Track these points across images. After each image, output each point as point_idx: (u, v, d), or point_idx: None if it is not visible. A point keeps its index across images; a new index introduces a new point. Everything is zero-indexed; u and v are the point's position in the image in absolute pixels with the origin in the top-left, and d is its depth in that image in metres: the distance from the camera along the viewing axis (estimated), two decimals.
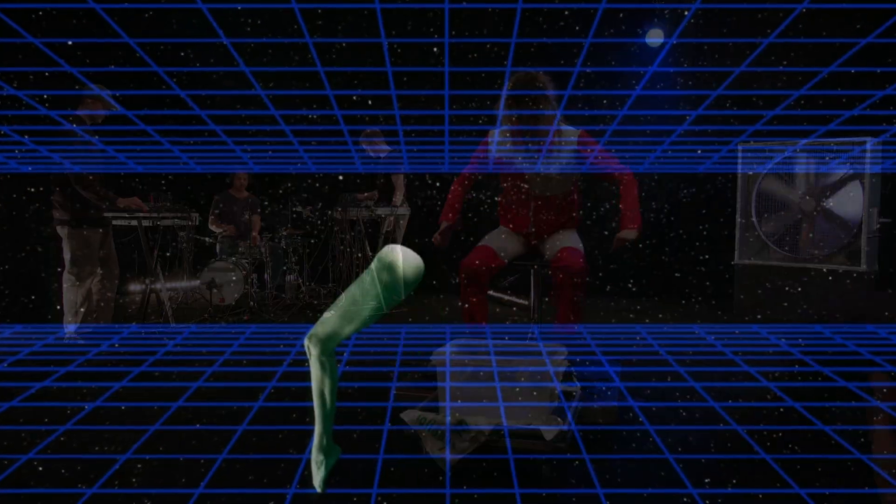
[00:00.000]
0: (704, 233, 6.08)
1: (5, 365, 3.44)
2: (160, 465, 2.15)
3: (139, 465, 2.14)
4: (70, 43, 5.08)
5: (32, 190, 5.16)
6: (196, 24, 5.96)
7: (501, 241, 2.76)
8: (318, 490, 1.66)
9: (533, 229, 2.74)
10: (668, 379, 3.17)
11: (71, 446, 2.32)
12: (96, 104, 3.96)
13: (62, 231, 3.91)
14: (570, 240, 2.63)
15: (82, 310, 3.92)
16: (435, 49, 6.40)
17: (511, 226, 2.80)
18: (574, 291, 2.42)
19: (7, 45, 4.88)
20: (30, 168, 4.72)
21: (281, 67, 6.30)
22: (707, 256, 6.12)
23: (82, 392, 2.99)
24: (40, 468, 2.12)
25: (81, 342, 3.85)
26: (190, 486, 1.98)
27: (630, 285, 6.54)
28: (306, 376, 3.21)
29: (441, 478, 1.98)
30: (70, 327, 3.91)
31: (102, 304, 4.03)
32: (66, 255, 3.91)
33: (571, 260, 2.42)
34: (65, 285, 3.93)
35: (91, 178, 3.84)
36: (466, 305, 2.62)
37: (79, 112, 3.93)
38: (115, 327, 4.08)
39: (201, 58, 6.24)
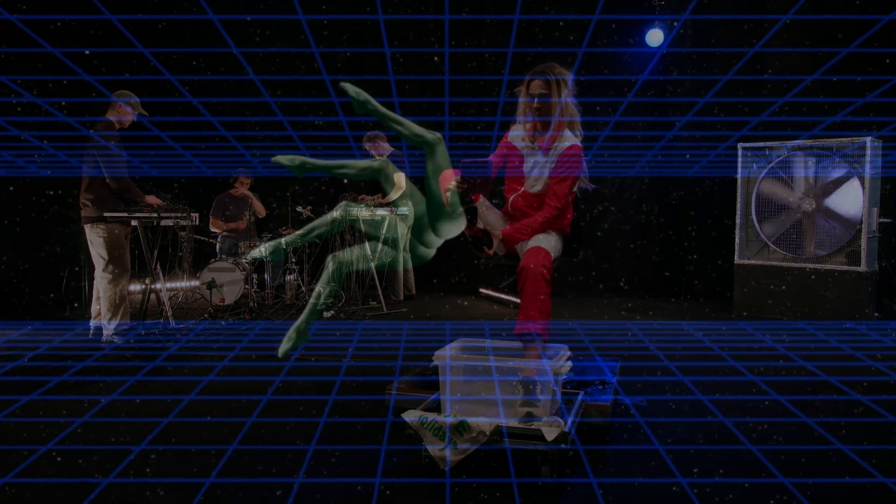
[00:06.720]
0: (711, 233, 6.11)
1: (25, 360, 3.57)
2: (173, 455, 2.25)
3: (153, 456, 2.24)
4: (87, 52, 5.24)
5: (51, 192, 5.29)
6: (207, 34, 6.11)
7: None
8: (279, 355, 2.39)
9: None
10: (658, 373, 3.23)
11: (87, 438, 2.42)
12: (125, 109, 4.04)
13: (95, 229, 3.94)
14: (538, 239, 2.50)
15: (121, 308, 3.96)
16: (436, 58, 6.55)
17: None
18: (529, 288, 2.28)
19: (28, 55, 5.04)
20: (49, 172, 4.87)
21: (288, 76, 6.44)
22: (709, 256, 6.15)
23: (98, 386, 3.10)
24: (58, 459, 2.22)
25: (117, 339, 3.91)
26: (201, 475, 2.06)
27: (628, 286, 6.58)
28: (311, 370, 3.30)
29: (442, 469, 2.05)
30: (110, 326, 3.96)
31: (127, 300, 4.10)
32: (102, 254, 3.94)
33: (531, 259, 2.32)
34: (103, 283, 3.95)
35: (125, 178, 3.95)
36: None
37: (110, 118, 4.02)
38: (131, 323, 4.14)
39: (212, 67, 6.39)
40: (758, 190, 5.14)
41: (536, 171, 2.58)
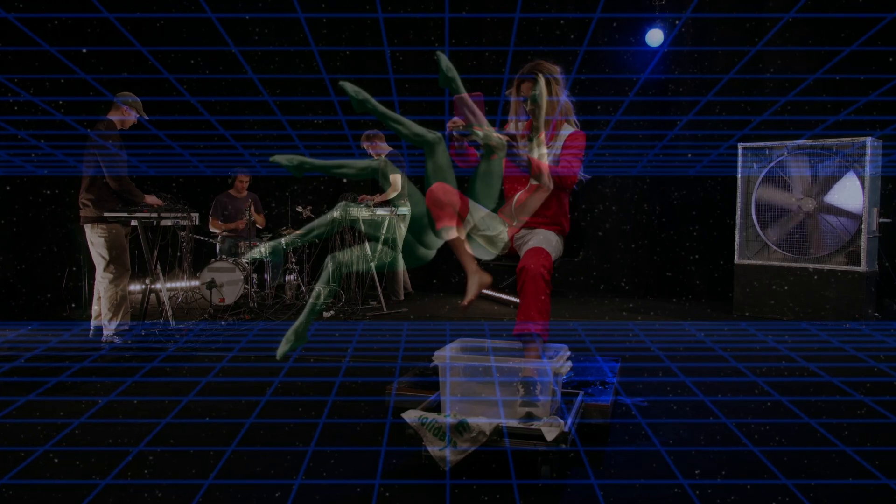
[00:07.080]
0: (713, 233, 6.11)
1: (22, 360, 3.55)
2: (171, 456, 2.24)
3: (151, 458, 2.22)
4: (84, 51, 5.22)
5: (48, 192, 5.28)
6: (205, 32, 6.10)
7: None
8: (277, 357, 2.38)
9: (514, 223, 2.64)
10: (660, 374, 3.23)
11: (85, 439, 2.41)
12: (129, 111, 4.04)
13: (95, 229, 3.94)
14: (538, 239, 2.48)
15: (122, 308, 3.96)
16: (435, 57, 6.58)
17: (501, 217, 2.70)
18: (528, 288, 2.29)
19: (25, 53, 5.03)
20: (46, 171, 4.85)
21: (287, 75, 6.43)
22: (710, 256, 6.14)
23: (96, 387, 3.08)
24: (56, 460, 2.21)
25: (117, 340, 3.91)
26: (200, 477, 2.05)
27: (629, 286, 6.59)
28: (310, 371, 3.28)
29: (442, 469, 2.04)
30: (111, 326, 3.96)
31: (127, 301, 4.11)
32: (103, 254, 3.94)
33: (530, 259, 2.31)
34: (103, 283, 3.95)
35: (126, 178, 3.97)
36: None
37: (112, 118, 4.02)
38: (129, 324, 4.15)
39: (210, 65, 6.38)
40: (758, 190, 5.13)
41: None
